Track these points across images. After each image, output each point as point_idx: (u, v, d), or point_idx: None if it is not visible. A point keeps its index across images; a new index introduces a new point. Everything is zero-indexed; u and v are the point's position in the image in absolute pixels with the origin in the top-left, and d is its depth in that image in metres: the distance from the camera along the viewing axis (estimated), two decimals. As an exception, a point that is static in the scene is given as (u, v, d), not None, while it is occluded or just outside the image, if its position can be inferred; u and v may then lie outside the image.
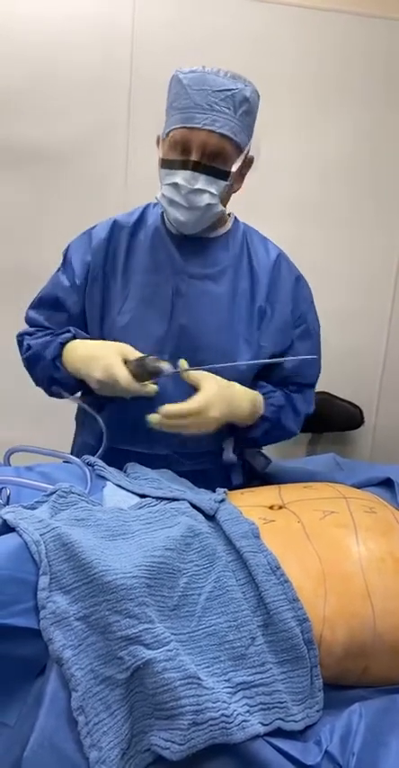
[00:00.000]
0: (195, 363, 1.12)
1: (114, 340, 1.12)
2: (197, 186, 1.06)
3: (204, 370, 1.04)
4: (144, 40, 1.91)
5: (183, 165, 1.06)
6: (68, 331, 1.14)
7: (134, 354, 1.04)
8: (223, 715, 0.59)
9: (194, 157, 1.05)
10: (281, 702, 0.64)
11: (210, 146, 1.05)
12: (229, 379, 1.13)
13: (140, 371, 1.02)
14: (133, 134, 1.97)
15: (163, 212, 1.19)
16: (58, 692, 0.61)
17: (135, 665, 0.61)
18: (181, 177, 1.06)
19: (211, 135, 1.04)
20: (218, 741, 0.58)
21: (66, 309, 1.19)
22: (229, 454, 1.19)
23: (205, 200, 1.07)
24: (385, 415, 2.32)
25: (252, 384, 1.17)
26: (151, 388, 1.03)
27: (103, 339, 1.15)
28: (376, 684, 0.73)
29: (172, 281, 1.15)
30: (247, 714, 0.61)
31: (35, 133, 1.91)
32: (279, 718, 0.63)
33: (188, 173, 1.06)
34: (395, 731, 0.64)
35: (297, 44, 1.99)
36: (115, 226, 1.19)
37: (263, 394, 1.16)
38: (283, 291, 1.21)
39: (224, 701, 0.60)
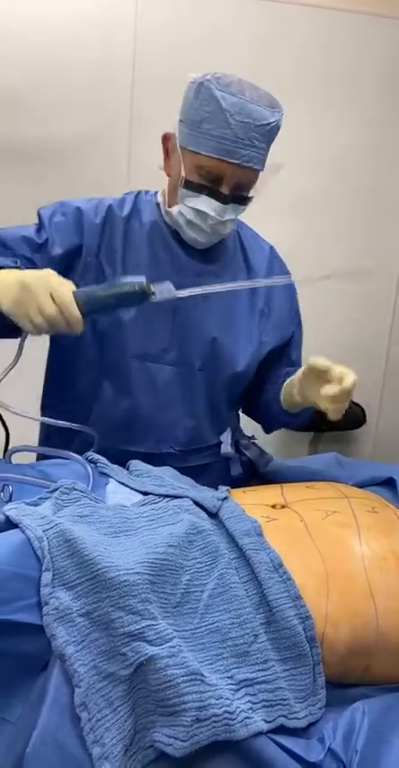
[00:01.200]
0: (200, 363, 1.13)
1: (115, 337, 1.10)
2: (225, 218, 1.06)
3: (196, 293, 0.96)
4: (146, 39, 1.91)
5: (214, 195, 1.03)
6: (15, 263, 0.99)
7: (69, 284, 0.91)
8: (226, 712, 0.59)
9: (226, 190, 1.03)
10: (284, 700, 0.64)
11: (243, 179, 1.04)
12: (229, 381, 1.17)
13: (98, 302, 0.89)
14: (135, 132, 1.97)
15: (157, 203, 1.15)
16: (61, 688, 0.61)
17: (138, 662, 0.61)
18: (208, 207, 1.04)
19: (247, 171, 1.03)
20: (221, 738, 0.58)
21: (18, 255, 1.05)
22: (227, 447, 1.21)
23: (228, 227, 1.09)
24: (388, 415, 2.32)
25: (260, 378, 1.21)
26: None
27: (101, 335, 1.10)
28: (378, 683, 0.73)
29: (174, 279, 1.10)
30: (250, 711, 0.61)
31: (37, 131, 1.92)
32: (282, 716, 0.63)
33: (218, 205, 1.04)
34: (398, 729, 0.64)
35: (301, 42, 1.99)
36: (110, 212, 1.13)
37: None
38: (280, 287, 1.24)
39: (227, 698, 0.60)
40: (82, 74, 1.90)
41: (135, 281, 0.91)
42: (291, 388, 1.13)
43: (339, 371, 0.99)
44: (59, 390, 1.18)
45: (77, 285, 0.97)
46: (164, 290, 0.92)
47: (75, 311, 0.87)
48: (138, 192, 1.19)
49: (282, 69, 1.96)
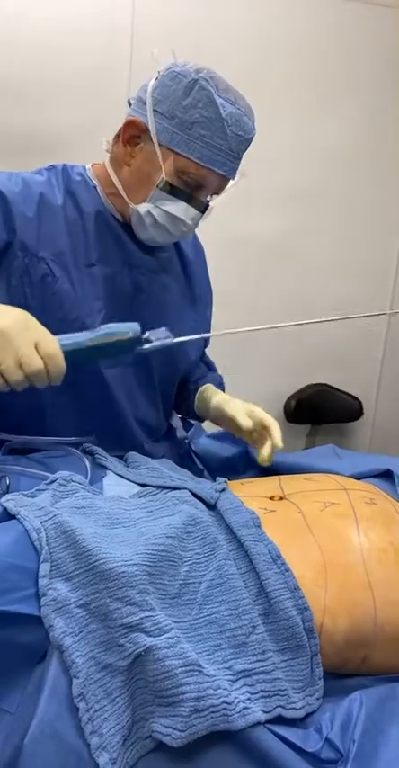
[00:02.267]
0: (156, 362, 1.11)
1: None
2: (196, 224, 1.02)
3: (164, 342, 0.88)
4: (144, 29, 1.89)
5: (193, 203, 0.99)
6: None
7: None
8: (224, 702, 0.59)
9: (204, 198, 1.00)
10: (282, 690, 0.64)
11: (219, 189, 1.01)
12: (181, 371, 1.20)
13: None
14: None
15: (94, 186, 1.05)
16: (59, 679, 0.61)
17: (136, 653, 0.61)
18: (186, 214, 0.99)
19: (226, 181, 1.00)
20: (219, 728, 0.58)
21: None
22: (182, 431, 1.25)
23: (191, 232, 1.05)
24: (384, 407, 2.33)
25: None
26: None
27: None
28: (375, 673, 0.73)
29: (128, 274, 1.06)
30: (248, 701, 0.61)
31: (33, 119, 1.90)
32: (280, 706, 0.63)
33: (196, 213, 1.00)
34: (395, 719, 0.64)
35: (297, 32, 1.97)
36: (43, 201, 1.00)
37: (217, 385, 1.22)
38: (203, 267, 1.25)
39: (225, 689, 0.60)
40: (79, 61, 1.89)
41: (127, 327, 0.82)
42: (204, 406, 1.17)
43: (271, 435, 1.02)
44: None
45: (10, 290, 0.91)
46: (160, 336, 0.85)
47: (61, 364, 0.75)
48: (63, 168, 1.06)
49: (276, 61, 1.95)
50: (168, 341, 0.85)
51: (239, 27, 1.92)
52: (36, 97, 1.89)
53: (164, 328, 0.87)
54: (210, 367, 1.34)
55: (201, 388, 1.21)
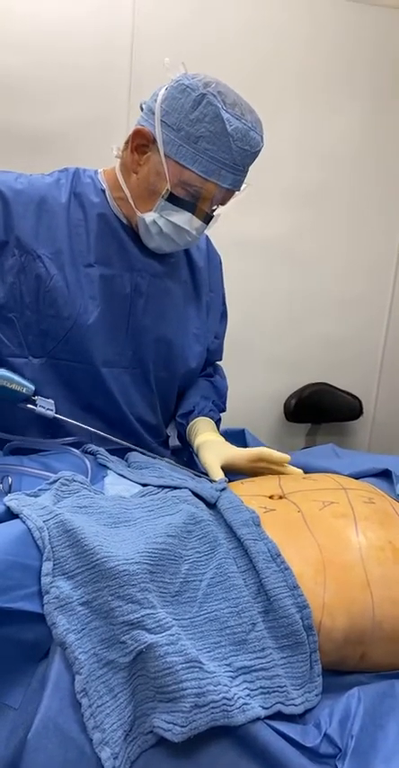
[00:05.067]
0: (154, 365, 1.12)
1: (73, 341, 1.03)
2: (201, 234, 1.03)
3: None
4: (145, 26, 1.89)
5: (197, 213, 1.00)
6: None
7: None
8: (224, 698, 0.60)
9: (209, 209, 1.01)
10: (281, 687, 0.65)
11: (224, 200, 1.02)
12: (181, 378, 1.18)
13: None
14: (133, 119, 1.96)
15: (102, 190, 1.06)
16: (62, 675, 0.62)
17: (137, 649, 0.62)
18: (190, 225, 1.00)
19: (231, 193, 1.01)
20: (219, 723, 0.59)
21: None
22: (175, 440, 1.24)
23: (197, 240, 1.06)
24: (384, 406, 2.33)
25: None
26: None
27: (48, 335, 1.02)
28: (373, 670, 0.74)
29: (129, 277, 1.07)
30: (248, 698, 0.62)
31: (34, 118, 1.90)
32: (279, 702, 0.64)
33: (200, 224, 1.01)
34: (393, 715, 0.65)
35: (299, 32, 1.98)
36: (44, 201, 1.02)
37: (205, 414, 1.20)
38: (216, 275, 1.24)
39: (225, 685, 0.61)
40: (80, 60, 1.89)
41: (25, 383, 0.96)
42: (191, 437, 1.16)
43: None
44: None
45: (7, 288, 0.97)
46: (45, 405, 0.99)
47: None
48: (75, 171, 1.08)
49: (278, 62, 1.96)
50: (49, 413, 0.99)
51: (241, 27, 1.92)
52: (37, 96, 1.89)
53: (51, 401, 1.00)
54: (214, 386, 1.30)
55: (190, 425, 1.19)
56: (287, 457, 1.02)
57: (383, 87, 2.07)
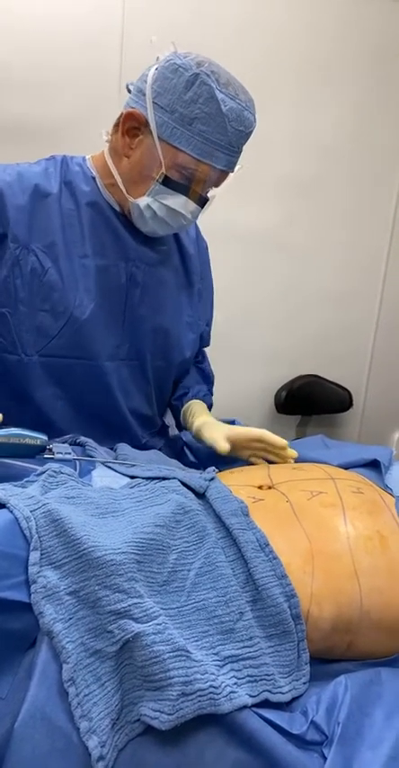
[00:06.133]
0: (152, 356, 1.11)
1: (69, 336, 1.02)
2: (196, 217, 1.02)
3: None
4: (134, 17, 1.87)
5: (192, 196, 0.98)
6: None
7: None
8: (211, 686, 0.60)
9: (204, 192, 0.99)
10: (268, 675, 0.66)
11: (219, 182, 1.00)
12: (177, 367, 1.18)
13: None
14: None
15: (93, 177, 1.04)
16: (49, 665, 0.61)
17: (124, 639, 0.62)
18: (185, 208, 0.99)
19: (226, 175, 1.00)
20: (206, 711, 0.59)
21: None
22: (174, 430, 1.25)
23: (191, 224, 1.05)
24: (374, 398, 2.34)
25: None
26: None
27: (42, 330, 1.00)
28: (360, 658, 0.75)
29: (124, 267, 1.05)
30: (235, 686, 0.62)
31: (23, 112, 1.88)
32: (267, 690, 0.64)
33: (196, 207, 1.00)
34: (379, 702, 0.65)
35: (295, 24, 1.96)
36: (38, 192, 1.00)
37: (200, 398, 1.22)
38: (206, 261, 1.24)
39: (212, 673, 0.61)
40: (69, 57, 1.86)
41: (37, 436, 0.91)
42: (189, 427, 1.15)
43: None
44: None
45: (1, 282, 0.94)
46: (61, 451, 0.93)
47: None
48: (62, 159, 1.06)
49: (272, 55, 1.94)
50: (68, 456, 0.93)
51: (228, 20, 1.90)
52: (26, 90, 1.86)
53: (67, 444, 0.94)
54: (204, 373, 1.31)
55: (185, 407, 1.19)
56: (285, 442, 1.03)
57: (379, 80, 2.06)
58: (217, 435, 1.04)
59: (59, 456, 0.92)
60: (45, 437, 0.92)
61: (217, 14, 1.88)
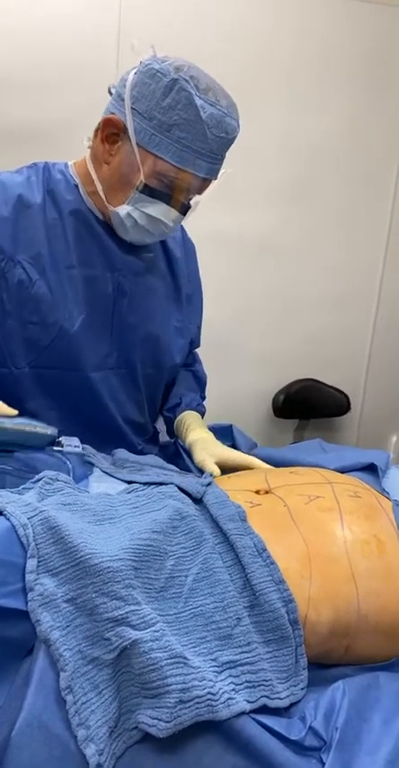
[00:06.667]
0: (142, 363, 1.10)
1: (59, 347, 1.01)
2: (177, 225, 1.00)
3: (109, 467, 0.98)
4: (131, 18, 1.88)
5: (174, 204, 0.96)
6: None
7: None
8: (209, 693, 0.60)
9: (185, 199, 0.97)
10: (266, 680, 0.65)
11: (201, 189, 0.98)
12: (167, 374, 1.18)
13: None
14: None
15: (75, 185, 1.02)
16: (47, 672, 0.61)
17: (122, 646, 0.62)
18: (166, 216, 0.97)
19: (208, 182, 0.98)
20: (204, 718, 0.59)
21: None
22: (165, 436, 1.24)
23: (173, 231, 1.03)
24: (371, 402, 2.34)
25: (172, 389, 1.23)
26: None
27: (32, 343, 1.00)
28: (358, 662, 0.74)
29: (110, 277, 1.04)
30: (233, 692, 0.62)
31: (21, 113, 1.88)
32: (265, 696, 0.64)
33: (177, 215, 0.98)
34: (377, 707, 0.65)
35: (288, 27, 1.97)
36: (21, 202, 0.98)
37: (193, 408, 1.20)
38: (193, 264, 1.22)
39: (210, 680, 0.61)
40: (66, 56, 1.87)
41: (47, 428, 0.92)
42: (182, 439, 1.14)
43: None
44: None
45: None
46: (71, 444, 0.93)
47: None
48: (44, 166, 1.03)
49: (265, 59, 1.95)
50: (77, 449, 0.94)
51: (226, 21, 1.91)
52: (24, 91, 1.87)
53: (76, 438, 0.93)
54: (196, 376, 1.30)
55: (178, 418, 1.18)
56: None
57: (371, 83, 2.07)
58: (207, 459, 1.02)
59: (69, 449, 0.92)
60: (55, 429, 0.92)
61: (212, 16, 1.89)
